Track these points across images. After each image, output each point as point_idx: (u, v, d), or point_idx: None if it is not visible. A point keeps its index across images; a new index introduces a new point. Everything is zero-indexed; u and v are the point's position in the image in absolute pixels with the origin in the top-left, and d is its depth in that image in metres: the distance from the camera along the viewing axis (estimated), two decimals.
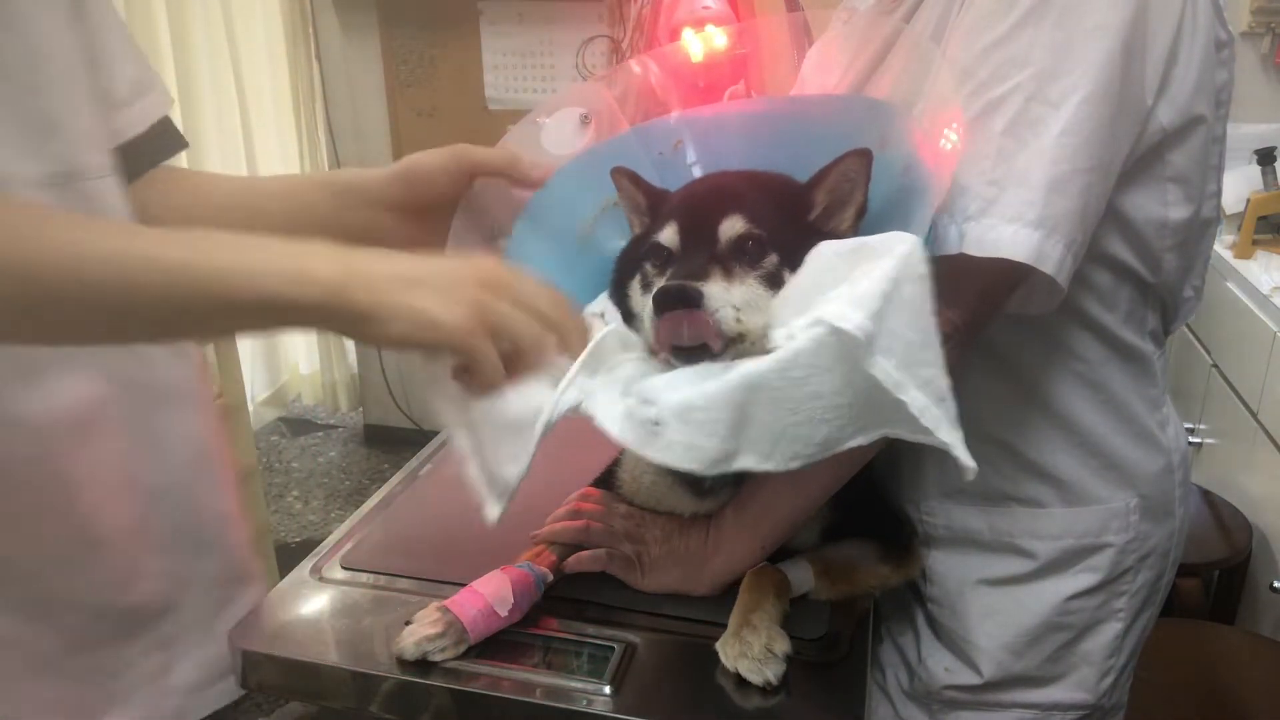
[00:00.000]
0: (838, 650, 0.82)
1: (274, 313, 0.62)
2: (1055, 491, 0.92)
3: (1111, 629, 0.94)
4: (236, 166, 3.32)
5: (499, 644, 0.80)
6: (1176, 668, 1.50)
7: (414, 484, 1.10)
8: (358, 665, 0.79)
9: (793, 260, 0.73)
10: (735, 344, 0.69)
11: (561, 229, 0.90)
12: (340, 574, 0.91)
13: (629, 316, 0.83)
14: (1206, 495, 1.95)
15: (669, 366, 0.71)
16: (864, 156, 0.76)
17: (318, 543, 0.96)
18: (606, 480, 0.94)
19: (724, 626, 0.79)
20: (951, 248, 0.75)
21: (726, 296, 0.71)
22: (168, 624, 0.89)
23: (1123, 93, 0.76)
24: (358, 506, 1.05)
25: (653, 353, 0.73)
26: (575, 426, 0.68)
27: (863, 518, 0.92)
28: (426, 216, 0.89)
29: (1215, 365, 2.12)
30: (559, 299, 0.70)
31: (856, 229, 0.79)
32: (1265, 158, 2.21)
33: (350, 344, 3.54)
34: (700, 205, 0.81)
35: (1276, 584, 1.64)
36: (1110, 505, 0.92)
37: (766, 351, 0.64)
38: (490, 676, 0.77)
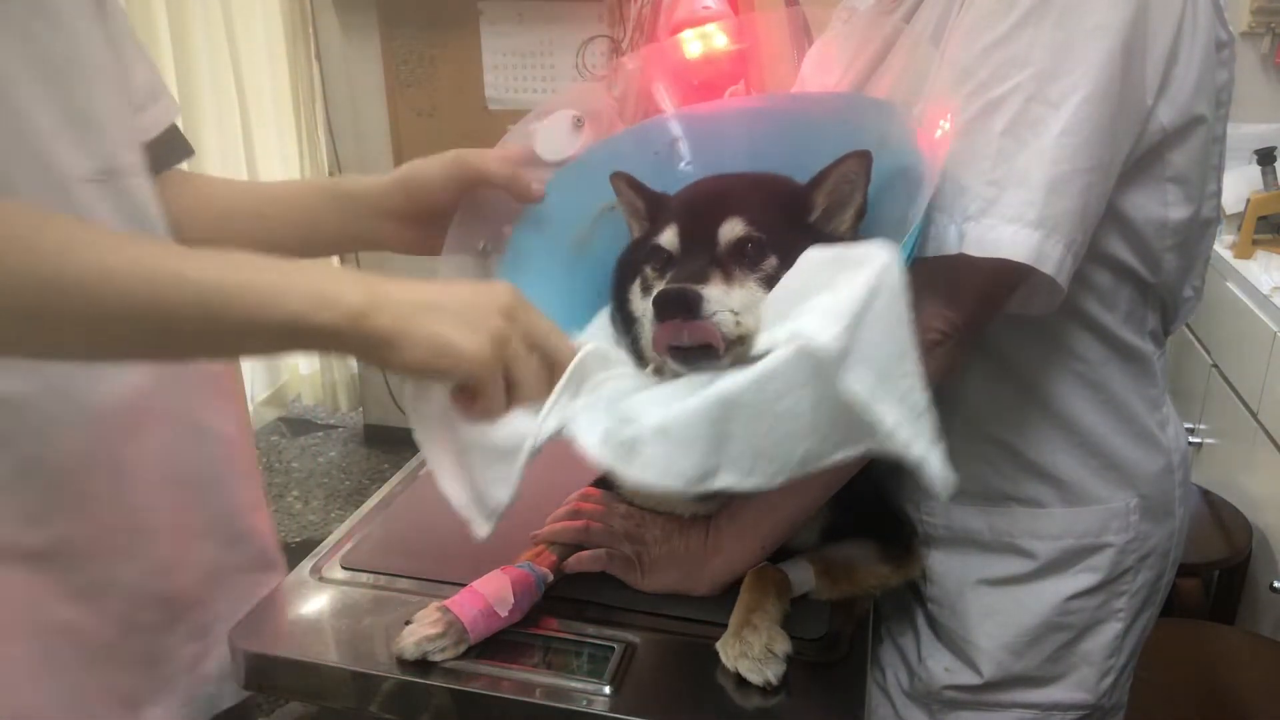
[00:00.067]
0: (838, 650, 0.82)
1: (295, 335, 0.62)
2: (1055, 491, 0.92)
3: (1111, 629, 0.94)
4: (236, 166, 3.32)
5: (499, 644, 0.80)
6: (1176, 668, 1.50)
7: (414, 484, 1.10)
8: (358, 665, 0.79)
9: (792, 263, 0.73)
10: (736, 346, 0.70)
11: (560, 233, 0.90)
12: (340, 574, 0.91)
13: (629, 320, 0.83)
14: (1206, 495, 1.94)
15: (655, 377, 0.71)
16: (864, 158, 0.76)
17: (318, 543, 0.97)
18: (606, 480, 0.94)
19: (724, 626, 0.79)
20: (951, 248, 0.75)
21: (726, 299, 0.71)
22: (204, 612, 0.91)
23: (1123, 93, 0.76)
24: (358, 506, 1.05)
25: (646, 361, 0.73)
26: None
27: (863, 518, 0.92)
28: (427, 224, 0.90)
29: (1215, 365, 2.12)
30: (560, 336, 0.70)
31: (856, 230, 0.79)
32: (1265, 158, 2.21)
33: None
34: (700, 208, 0.81)
35: (1276, 584, 1.64)
36: (1110, 505, 0.92)
37: (755, 358, 0.64)
38: (490, 676, 0.77)
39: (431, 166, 0.89)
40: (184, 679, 0.90)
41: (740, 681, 0.75)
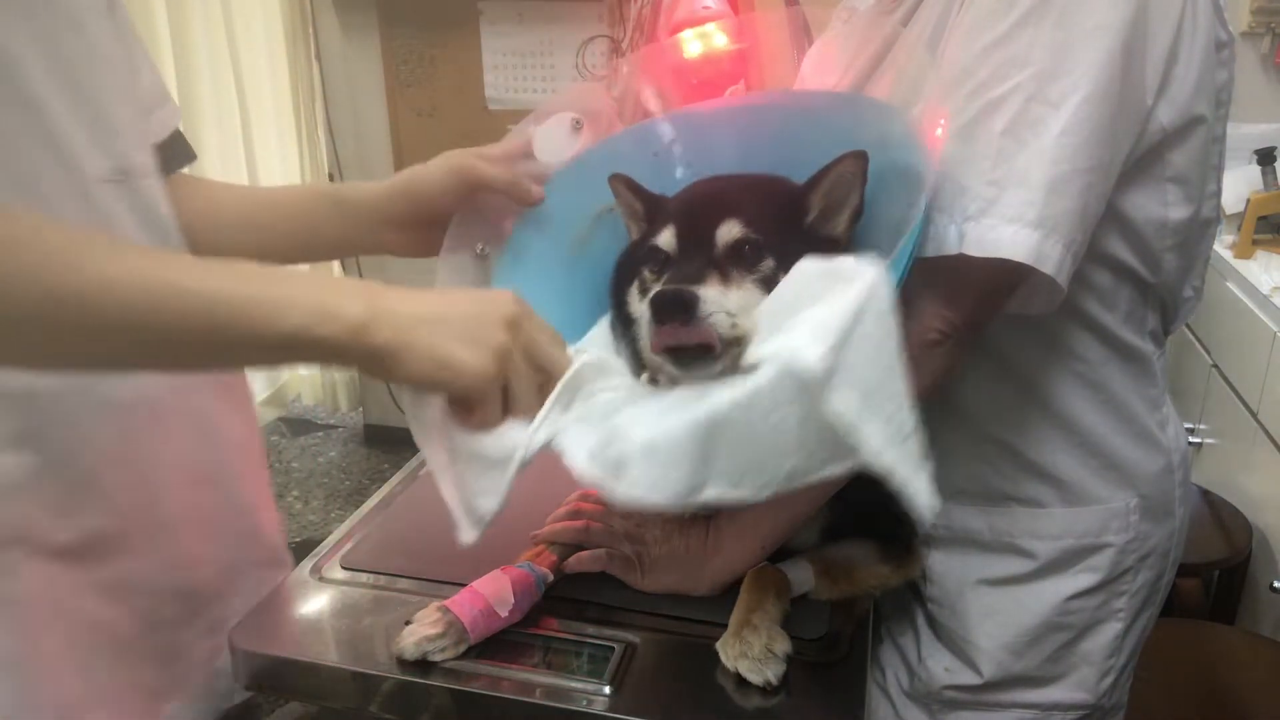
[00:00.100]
0: (838, 650, 0.82)
1: (297, 348, 0.61)
2: (1055, 491, 0.92)
3: (1111, 629, 0.94)
4: (236, 166, 3.32)
5: (499, 644, 0.80)
6: (1176, 668, 1.50)
7: (414, 484, 1.10)
8: (358, 665, 0.79)
9: (789, 264, 0.73)
10: (732, 347, 0.70)
11: (559, 233, 0.90)
12: (340, 574, 0.91)
13: (627, 321, 0.83)
14: (1206, 495, 1.94)
15: (650, 388, 0.71)
16: (860, 159, 0.76)
17: (318, 543, 0.96)
18: None
19: (724, 626, 0.79)
20: (951, 248, 0.75)
21: (722, 301, 0.71)
22: (221, 608, 0.92)
23: (1123, 93, 0.76)
24: (358, 506, 1.05)
25: (644, 364, 0.73)
26: None
27: (863, 518, 0.92)
28: (427, 229, 0.90)
29: (1215, 365, 2.12)
30: (559, 348, 0.70)
31: (853, 231, 0.79)
32: (1265, 158, 2.21)
33: None
34: (697, 209, 0.81)
35: (1276, 584, 1.64)
36: (1110, 505, 0.92)
37: (746, 369, 0.64)
38: (490, 676, 0.77)
39: (432, 173, 0.89)
40: (201, 673, 0.91)
41: (740, 681, 0.75)
